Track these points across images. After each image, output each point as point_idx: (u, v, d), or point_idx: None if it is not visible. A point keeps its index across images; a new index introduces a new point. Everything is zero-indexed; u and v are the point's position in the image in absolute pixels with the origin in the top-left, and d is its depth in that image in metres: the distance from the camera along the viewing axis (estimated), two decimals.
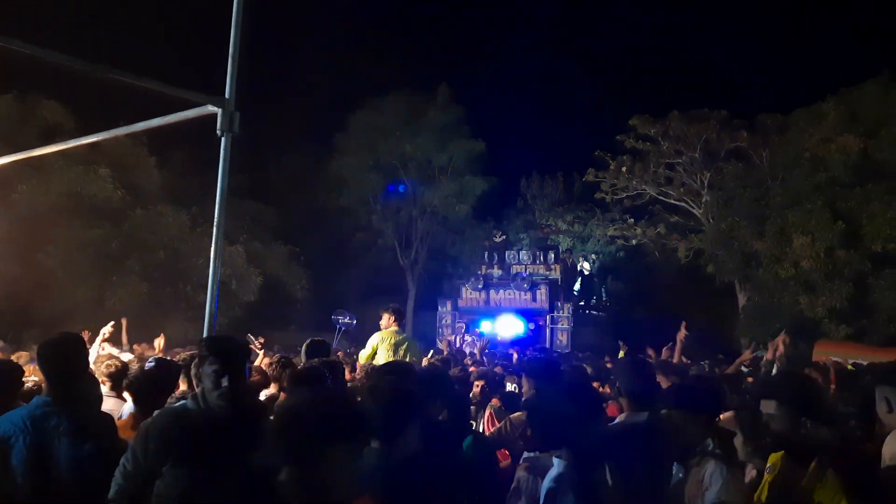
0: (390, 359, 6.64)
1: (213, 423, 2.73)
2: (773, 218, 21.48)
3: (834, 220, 19.84)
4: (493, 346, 19.56)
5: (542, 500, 2.96)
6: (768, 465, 2.84)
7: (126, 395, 4.29)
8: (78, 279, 17.02)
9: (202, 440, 2.69)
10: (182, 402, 2.98)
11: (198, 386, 2.91)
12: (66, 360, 3.09)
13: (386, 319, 7.21)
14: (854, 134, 21.11)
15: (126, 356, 6.91)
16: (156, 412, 3.00)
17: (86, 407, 3.16)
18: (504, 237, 28.84)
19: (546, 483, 2.96)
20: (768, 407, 3.00)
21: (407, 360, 6.65)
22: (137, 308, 17.54)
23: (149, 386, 3.85)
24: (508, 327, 24.54)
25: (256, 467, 2.30)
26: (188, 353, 4.75)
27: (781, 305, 20.63)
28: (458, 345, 20.69)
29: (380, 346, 7.03)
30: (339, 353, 9.94)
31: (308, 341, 5.59)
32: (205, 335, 3.92)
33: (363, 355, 7.24)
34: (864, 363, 11.14)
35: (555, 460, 2.94)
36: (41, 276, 16.59)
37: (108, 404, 4.17)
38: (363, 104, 28.62)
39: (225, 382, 2.69)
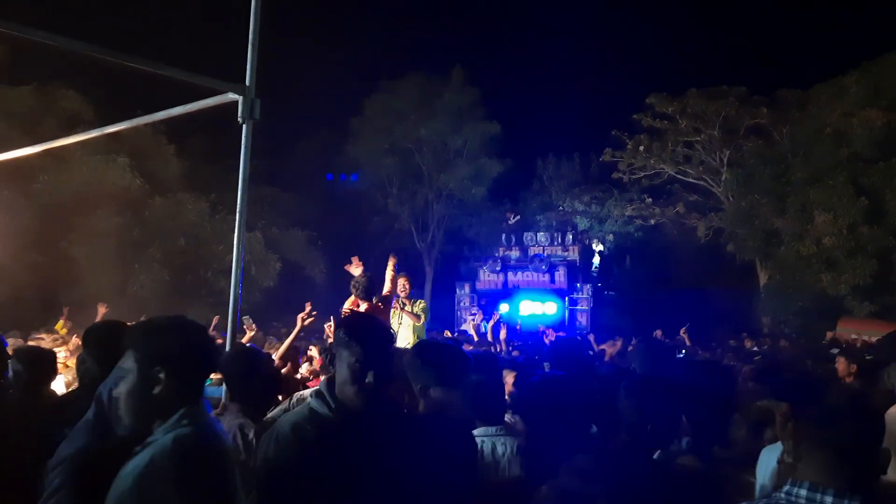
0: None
1: (348, 426, 2.27)
2: (795, 195, 21.22)
3: (857, 196, 19.55)
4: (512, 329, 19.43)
5: None
6: None
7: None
8: (101, 267, 17.23)
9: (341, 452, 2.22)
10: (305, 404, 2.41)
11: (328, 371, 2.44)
12: (113, 344, 3.18)
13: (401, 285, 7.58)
14: (877, 108, 20.70)
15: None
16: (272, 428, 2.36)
17: None
18: (518, 218, 28.67)
19: None
20: None
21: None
22: (159, 295, 17.79)
23: None
24: (528, 309, 24.50)
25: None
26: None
27: (803, 283, 20.43)
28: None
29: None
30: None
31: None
32: (229, 320, 3.96)
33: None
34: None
35: None
36: (65, 264, 16.82)
37: None
38: (378, 88, 28.61)
39: (369, 378, 2.28)
